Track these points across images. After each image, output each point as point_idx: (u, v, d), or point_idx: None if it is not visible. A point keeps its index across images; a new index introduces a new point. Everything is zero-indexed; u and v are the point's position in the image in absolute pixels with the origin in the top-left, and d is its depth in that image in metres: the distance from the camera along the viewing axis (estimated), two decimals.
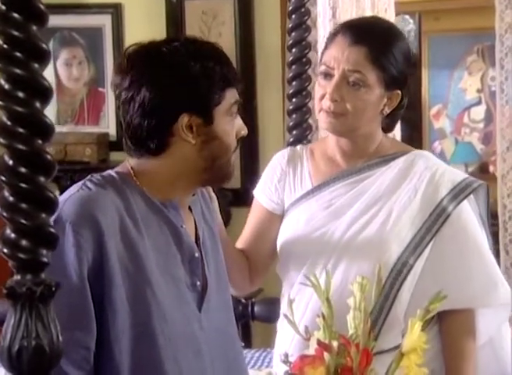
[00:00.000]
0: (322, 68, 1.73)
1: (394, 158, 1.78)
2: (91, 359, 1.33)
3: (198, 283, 1.49)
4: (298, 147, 1.91)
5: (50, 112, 4.00)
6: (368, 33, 1.72)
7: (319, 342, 1.22)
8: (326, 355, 1.21)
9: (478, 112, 5.79)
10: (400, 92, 1.75)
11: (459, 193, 1.74)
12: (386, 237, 1.70)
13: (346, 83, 1.69)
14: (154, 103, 1.38)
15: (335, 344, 1.22)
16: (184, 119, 1.40)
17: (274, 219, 1.84)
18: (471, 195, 1.75)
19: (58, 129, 4.56)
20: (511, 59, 3.11)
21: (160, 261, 1.42)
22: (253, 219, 1.91)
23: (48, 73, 3.95)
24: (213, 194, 1.72)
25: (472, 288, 1.72)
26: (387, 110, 1.76)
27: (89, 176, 1.43)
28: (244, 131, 1.51)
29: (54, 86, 3.95)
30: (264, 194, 1.89)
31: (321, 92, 1.72)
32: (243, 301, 3.12)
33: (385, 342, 1.60)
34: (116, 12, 3.87)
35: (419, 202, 1.73)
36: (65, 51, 3.95)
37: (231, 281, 1.63)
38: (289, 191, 1.84)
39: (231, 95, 1.45)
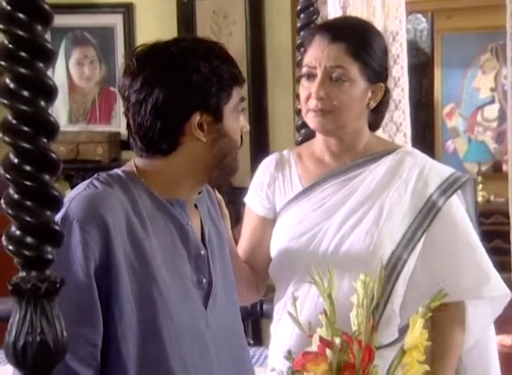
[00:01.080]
0: (304, 70, 1.76)
1: (382, 156, 1.80)
2: (98, 356, 1.34)
3: (204, 280, 1.49)
4: (285, 151, 1.93)
5: (62, 111, 4.04)
6: (345, 31, 1.77)
7: (321, 339, 1.23)
8: (328, 351, 1.22)
9: (492, 111, 5.77)
10: (382, 85, 1.78)
11: (448, 187, 1.76)
12: (379, 232, 1.72)
13: (329, 80, 1.72)
14: (167, 103, 1.39)
15: (337, 340, 1.23)
16: (196, 118, 1.41)
17: (267, 224, 1.86)
18: (459, 191, 1.78)
19: (70, 128, 4.62)
20: None
21: (166, 259, 1.42)
22: (247, 227, 1.92)
23: (60, 73, 3.99)
24: (219, 196, 1.73)
25: (464, 281, 1.73)
26: (373, 104, 1.77)
27: (96, 175, 1.43)
28: (247, 127, 1.52)
29: (66, 85, 4.00)
30: (255, 200, 1.90)
31: (306, 93, 1.75)
32: None
33: (383, 337, 1.61)
34: (128, 11, 3.90)
35: (409, 197, 1.75)
36: (77, 51, 3.98)
37: (239, 295, 1.62)
38: (279, 194, 1.85)
39: (237, 93, 1.47)
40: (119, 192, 1.39)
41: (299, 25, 2.76)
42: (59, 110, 4.03)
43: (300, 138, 2.84)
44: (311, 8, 2.71)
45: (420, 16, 5.61)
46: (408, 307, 1.69)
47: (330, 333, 1.24)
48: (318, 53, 1.74)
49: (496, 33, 4.80)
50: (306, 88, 1.75)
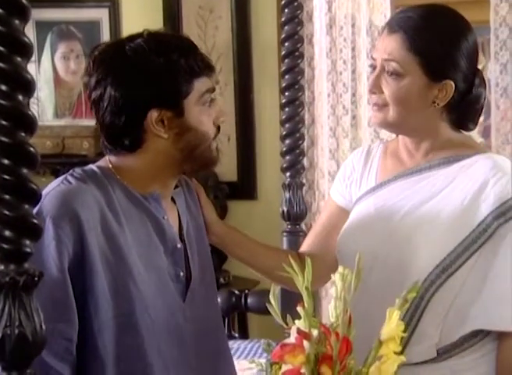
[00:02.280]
0: (370, 61, 1.70)
1: (459, 160, 1.65)
2: (74, 351, 1.34)
3: (182, 274, 1.50)
4: (376, 144, 1.86)
5: (48, 105, 4.03)
6: (407, 21, 1.60)
7: (299, 331, 1.22)
8: (306, 343, 1.21)
9: None
10: (452, 82, 1.60)
11: (508, 209, 1.57)
12: (427, 243, 1.61)
13: (384, 74, 1.62)
14: (121, 102, 1.39)
15: (315, 332, 1.23)
16: (153, 115, 1.41)
17: (343, 214, 1.79)
18: None
19: (56, 122, 4.60)
20: (506, 52, 3.11)
21: (142, 253, 1.43)
22: (324, 212, 1.89)
23: (46, 67, 3.98)
24: (197, 183, 1.70)
25: (509, 312, 1.56)
26: (440, 102, 1.62)
27: (71, 171, 1.44)
28: (223, 118, 1.51)
29: (52, 79, 3.99)
30: (336, 189, 1.86)
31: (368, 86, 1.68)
32: (237, 292, 3.16)
33: (413, 353, 1.54)
34: (113, 5, 3.89)
35: (465, 211, 1.60)
36: (63, 45, 3.97)
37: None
38: (355, 187, 1.80)
39: (201, 85, 1.45)
40: (94, 188, 1.40)
41: (283, 19, 2.76)
42: (45, 104, 4.01)
43: (284, 132, 2.86)
44: (295, 3, 2.72)
45: None
46: (450, 329, 1.60)
47: (308, 324, 1.23)
48: (379, 44, 1.66)
49: (482, 27, 4.81)
50: (369, 80, 1.69)
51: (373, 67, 1.66)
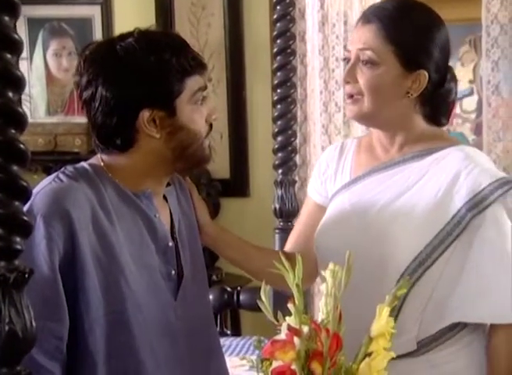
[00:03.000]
0: (345, 54, 1.70)
1: (431, 153, 1.66)
2: (64, 349, 1.34)
3: (173, 272, 1.50)
4: (350, 139, 1.86)
5: (40, 102, 4.02)
6: (382, 12, 1.63)
7: (289, 327, 1.23)
8: (296, 339, 1.22)
9: (471, 103, 5.79)
10: (426, 73, 1.61)
11: (480, 201, 1.58)
12: (404, 236, 1.62)
13: (359, 64, 1.62)
14: (112, 102, 1.39)
15: (305, 329, 1.23)
16: (145, 115, 1.40)
17: (322, 211, 1.79)
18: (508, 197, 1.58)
19: (48, 119, 4.60)
20: (497, 50, 3.12)
21: (133, 251, 1.43)
22: (304, 212, 1.89)
23: (38, 64, 3.98)
24: (190, 182, 1.70)
25: (489, 302, 1.57)
26: (413, 93, 1.63)
27: (62, 169, 1.44)
28: (215, 115, 1.51)
29: (44, 76, 3.99)
30: (312, 186, 1.87)
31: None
32: (229, 289, 3.16)
33: (393, 347, 1.48)
34: (105, 2, 3.89)
35: (439, 204, 1.61)
36: (55, 42, 3.96)
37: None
38: (330, 183, 1.81)
39: (193, 83, 1.44)
40: (85, 186, 1.40)
41: (275, 17, 2.78)
42: (37, 102, 4.00)
43: (276, 129, 2.87)
44: (287, 0, 2.74)
45: None
46: (429, 322, 1.61)
47: (298, 321, 1.24)
48: (353, 36, 1.67)
49: (474, 25, 4.81)
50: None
51: (347, 60, 1.66)
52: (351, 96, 1.64)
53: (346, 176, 1.77)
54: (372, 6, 1.72)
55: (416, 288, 1.59)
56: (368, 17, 1.64)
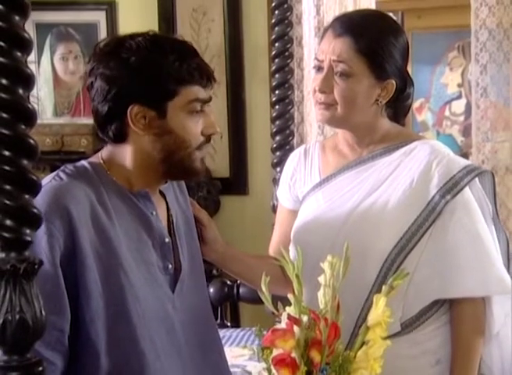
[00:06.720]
0: (314, 62, 1.75)
1: (398, 148, 1.76)
2: (66, 341, 1.36)
3: (170, 266, 1.53)
4: (311, 144, 1.91)
5: (48, 104, 4.11)
6: (353, 24, 1.70)
7: (289, 317, 1.26)
8: (296, 328, 1.25)
9: (459, 106, 5.92)
10: (394, 82, 1.72)
11: (452, 187, 1.69)
12: (383, 226, 1.69)
13: (333, 75, 1.69)
14: (105, 91, 1.42)
15: (305, 318, 1.26)
16: (134, 109, 1.42)
17: (294, 216, 1.84)
18: (477, 182, 1.71)
19: (55, 120, 4.68)
20: (486, 54, 3.17)
21: (131, 246, 1.45)
22: (278, 220, 1.93)
23: (46, 67, 4.07)
24: (193, 201, 1.72)
25: (467, 278, 1.68)
26: (382, 101, 1.73)
27: (62, 167, 1.46)
28: (213, 130, 1.50)
29: (51, 79, 4.06)
30: (281, 193, 1.92)
31: (314, 85, 1.73)
32: (229, 283, 3.23)
33: None
34: (111, 8, 3.99)
35: (414, 193, 1.70)
36: (62, 46, 4.05)
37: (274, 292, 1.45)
38: (300, 186, 1.85)
39: (190, 92, 1.44)
40: (84, 183, 1.42)
41: (273, 21, 2.90)
42: (45, 103, 4.09)
43: (274, 129, 2.99)
44: (285, 5, 2.86)
45: (391, 15, 5.73)
46: (411, 303, 1.69)
47: (298, 311, 1.27)
48: (325, 46, 1.71)
49: (462, 31, 4.92)
50: (315, 80, 1.74)
51: (317, 68, 1.74)
52: (324, 103, 1.71)
53: (316, 176, 1.83)
54: (341, 18, 1.78)
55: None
56: (338, 30, 1.70)
